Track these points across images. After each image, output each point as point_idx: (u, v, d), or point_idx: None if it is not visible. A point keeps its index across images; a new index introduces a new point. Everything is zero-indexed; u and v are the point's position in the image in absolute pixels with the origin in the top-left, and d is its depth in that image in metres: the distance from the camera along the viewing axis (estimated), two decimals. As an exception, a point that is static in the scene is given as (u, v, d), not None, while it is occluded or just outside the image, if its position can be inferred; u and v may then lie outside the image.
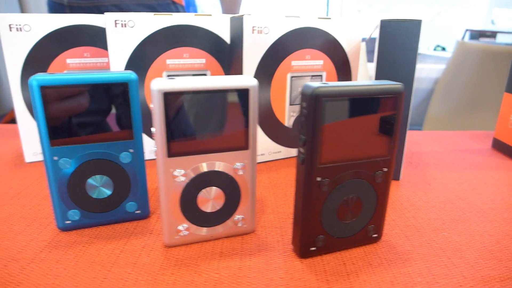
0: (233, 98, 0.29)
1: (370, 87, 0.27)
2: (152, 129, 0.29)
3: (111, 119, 0.32)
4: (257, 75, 0.47)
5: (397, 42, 0.41)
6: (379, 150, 0.30)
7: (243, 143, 0.31)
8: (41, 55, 0.47)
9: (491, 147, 0.61)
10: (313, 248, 0.31)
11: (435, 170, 0.51)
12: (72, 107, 0.31)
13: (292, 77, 0.50)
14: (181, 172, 0.30)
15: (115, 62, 0.46)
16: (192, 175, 0.31)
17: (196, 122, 0.29)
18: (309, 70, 0.50)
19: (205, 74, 0.51)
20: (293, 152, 0.54)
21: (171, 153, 0.29)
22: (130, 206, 0.35)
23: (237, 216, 0.33)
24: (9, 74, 0.46)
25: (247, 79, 0.30)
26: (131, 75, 0.32)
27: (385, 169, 0.31)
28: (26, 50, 0.47)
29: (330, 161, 0.28)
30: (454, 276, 0.30)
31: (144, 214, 0.36)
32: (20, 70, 0.47)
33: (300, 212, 0.30)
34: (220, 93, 0.29)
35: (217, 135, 0.30)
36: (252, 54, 0.46)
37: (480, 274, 0.30)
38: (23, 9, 1.96)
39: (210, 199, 0.32)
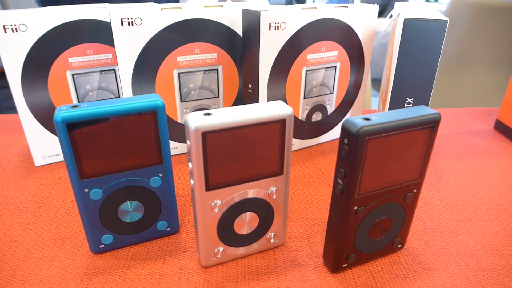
0: (270, 129, 0.29)
1: (410, 120, 0.27)
2: (190, 165, 0.29)
3: (140, 145, 0.32)
4: (273, 71, 0.46)
5: (420, 42, 0.40)
6: (411, 174, 0.31)
7: (278, 169, 0.31)
8: (41, 56, 0.44)
9: (493, 128, 0.63)
10: (344, 265, 0.33)
11: (443, 159, 0.53)
12: (100, 140, 0.30)
13: (307, 70, 0.48)
14: (218, 203, 0.30)
15: (124, 63, 0.44)
16: (229, 204, 0.31)
17: (233, 155, 0.29)
18: (323, 62, 0.49)
19: (216, 70, 0.49)
20: (306, 143, 0.54)
21: (209, 188, 0.29)
22: (161, 225, 0.36)
23: (269, 234, 0.34)
24: (9, 79, 0.43)
25: (282, 108, 0.29)
26: (158, 101, 0.30)
27: (415, 190, 0.32)
28: (25, 51, 0.43)
29: (367, 191, 0.29)
30: (474, 285, 0.32)
31: (174, 230, 0.37)
32: (19, 73, 0.44)
33: (335, 237, 0.31)
34: (257, 126, 0.28)
35: (253, 165, 0.30)
36: (269, 51, 0.44)
37: (496, 283, 0.33)
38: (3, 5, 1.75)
39: (245, 223, 0.32)
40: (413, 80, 0.42)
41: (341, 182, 0.28)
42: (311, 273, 0.33)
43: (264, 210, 0.33)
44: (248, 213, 0.32)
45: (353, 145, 0.26)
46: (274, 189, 0.32)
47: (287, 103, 0.49)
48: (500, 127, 0.61)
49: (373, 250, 0.33)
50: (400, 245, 0.35)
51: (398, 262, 0.34)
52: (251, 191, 0.31)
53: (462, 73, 1.50)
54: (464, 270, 0.34)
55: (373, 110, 0.72)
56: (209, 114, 0.28)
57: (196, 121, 0.27)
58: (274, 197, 0.32)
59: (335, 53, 0.49)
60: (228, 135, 0.28)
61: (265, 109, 0.29)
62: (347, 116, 0.56)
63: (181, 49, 0.46)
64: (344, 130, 0.27)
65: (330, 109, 0.54)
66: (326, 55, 0.49)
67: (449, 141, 0.59)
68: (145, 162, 0.32)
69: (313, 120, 0.53)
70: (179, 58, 0.46)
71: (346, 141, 0.27)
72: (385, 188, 0.30)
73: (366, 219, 0.31)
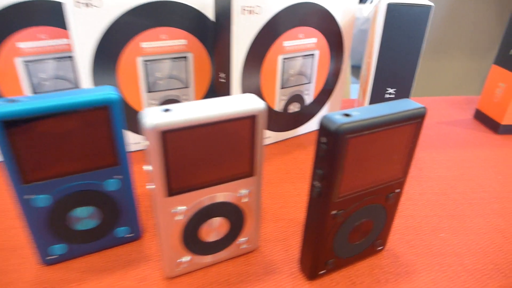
0: (239, 126, 0.26)
1: (394, 115, 0.25)
2: (146, 168, 0.25)
3: (91, 145, 0.28)
4: (247, 59, 0.42)
5: (403, 29, 0.38)
6: (394, 174, 0.28)
7: (248, 170, 0.28)
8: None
9: (473, 118, 0.62)
10: (322, 271, 0.30)
11: (423, 151, 0.51)
12: (44, 140, 0.26)
13: (284, 59, 0.45)
14: (183, 209, 0.27)
15: (81, 50, 0.39)
16: (194, 210, 0.28)
17: (198, 156, 0.25)
18: (301, 49, 0.46)
19: (186, 57, 0.45)
20: (283, 136, 0.51)
21: (171, 193, 0.26)
22: (121, 231, 0.32)
23: (241, 239, 0.31)
24: None
25: (253, 102, 0.26)
26: (112, 95, 0.27)
27: (398, 190, 0.29)
28: (-35, 35, 0.38)
29: (346, 194, 0.26)
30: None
31: (136, 236, 0.34)
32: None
33: (312, 243, 0.28)
34: (225, 123, 0.25)
35: (220, 166, 0.27)
36: (242, 38, 0.40)
37: (481, 284, 0.31)
38: None
39: (214, 229, 0.29)
40: (395, 69, 0.40)
41: (318, 185, 0.26)
42: (286, 280, 0.31)
43: (234, 215, 0.30)
44: (216, 218, 0.29)
45: (332, 144, 0.23)
46: (244, 191, 0.29)
47: (262, 93, 0.46)
48: (480, 116, 0.60)
49: (353, 254, 0.31)
50: (381, 247, 0.33)
51: (379, 265, 0.32)
52: (219, 195, 0.28)
53: (440, 61, 1.50)
54: (447, 272, 0.32)
55: (352, 100, 0.70)
56: (168, 110, 0.24)
57: (153, 118, 0.23)
58: (244, 201, 0.29)
59: (314, 40, 0.46)
60: (191, 134, 0.24)
61: (233, 103, 0.25)
62: (326, 106, 0.53)
63: (146, 35, 0.42)
64: (322, 128, 0.24)
65: (309, 99, 0.51)
66: (304, 42, 0.46)
67: (429, 131, 0.57)
68: (98, 164, 0.28)
69: (290, 111, 0.50)
70: (143, 45, 0.42)
71: (324, 140, 0.24)
72: (366, 190, 0.27)
73: (345, 223, 0.28)
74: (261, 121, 0.26)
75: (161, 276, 0.30)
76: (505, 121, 0.55)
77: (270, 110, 0.48)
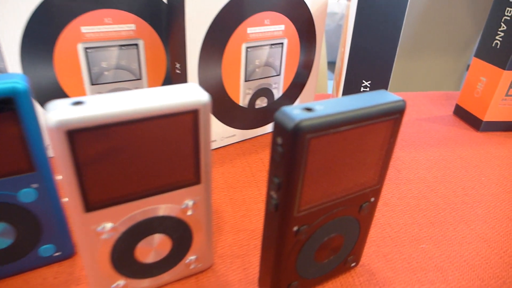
0: (176, 124, 0.21)
1: (368, 110, 0.20)
2: (58, 177, 0.20)
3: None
4: (204, 48, 0.37)
5: (379, 15, 0.33)
6: (368, 180, 0.24)
7: (192, 177, 0.23)
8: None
9: (453, 114, 0.59)
10: (285, 295, 0.25)
11: (402, 150, 0.47)
12: None
13: (247, 47, 0.40)
14: (108, 226, 0.22)
15: (5, 34, 0.33)
16: (125, 227, 0.22)
17: (121, 161, 0.20)
18: (267, 37, 0.41)
19: (136, 44, 0.39)
20: (249, 134, 0.47)
21: (89, 207, 0.21)
22: (46, 250, 0.27)
23: (189, 258, 0.26)
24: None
25: (195, 94, 0.21)
26: (17, 83, 0.21)
27: (373, 199, 0.25)
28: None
29: (310, 206, 0.22)
30: (441, 311, 0.26)
31: (67, 255, 0.28)
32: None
33: (271, 263, 0.24)
34: (156, 120, 0.20)
35: (155, 173, 0.22)
36: (197, 23, 0.35)
37: (466, 305, 0.27)
38: None
39: (152, 248, 0.24)
40: (370, 60, 0.36)
41: (274, 196, 0.21)
42: (243, 306, 0.26)
43: (178, 230, 0.25)
44: (155, 235, 0.24)
45: (289, 146, 0.19)
46: (189, 203, 0.24)
47: (224, 87, 0.41)
48: (460, 112, 0.57)
49: (321, 274, 0.27)
50: (354, 263, 0.28)
51: (353, 285, 0.28)
52: (157, 207, 0.23)
53: (417, 57, 1.48)
54: (428, 290, 0.28)
55: (328, 95, 0.66)
56: (80, 102, 0.19)
57: (58, 113, 0.18)
58: (190, 213, 0.24)
59: (281, 27, 0.41)
60: (110, 134, 0.19)
61: (169, 95, 0.20)
62: (297, 102, 0.49)
63: (86, 17, 0.36)
64: (276, 126, 0.19)
65: (277, 93, 0.46)
66: (271, 29, 0.41)
67: (409, 128, 0.53)
68: (8, 170, 0.23)
69: (257, 106, 0.45)
70: (84, 29, 0.36)
71: (279, 140, 0.19)
72: (334, 200, 0.23)
73: (310, 240, 0.24)
74: (205, 117, 0.21)
75: (89, 306, 0.25)
76: (487, 118, 0.52)
77: (233, 106, 0.43)
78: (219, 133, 0.43)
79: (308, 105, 0.19)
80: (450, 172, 0.43)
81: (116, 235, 0.22)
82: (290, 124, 0.18)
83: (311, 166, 0.20)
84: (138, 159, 0.20)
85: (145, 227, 0.23)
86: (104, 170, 0.20)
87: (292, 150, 0.19)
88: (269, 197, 0.21)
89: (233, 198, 0.36)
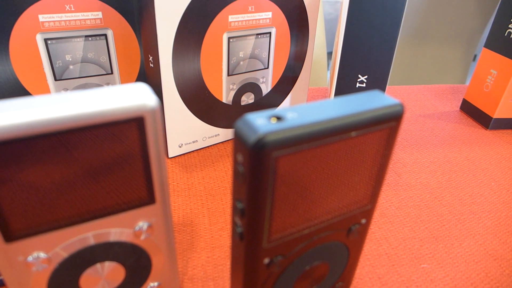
0: (117, 133, 0.17)
1: (353, 118, 0.16)
2: (-35, 201, 0.16)
3: None
4: (179, 38, 0.33)
5: (376, 1, 0.29)
6: (357, 200, 0.20)
7: (145, 196, 0.19)
8: None
9: (460, 110, 0.54)
10: (260, 331, 0.22)
11: (403, 150, 0.43)
12: None
13: (229, 38, 0.36)
14: (40, 257, 0.18)
15: None
16: (64, 255, 0.19)
17: (49, 179, 0.16)
18: (252, 26, 0.37)
19: (104, 35, 0.35)
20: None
21: (11, 236, 0.17)
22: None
23: (150, 285, 0.23)
24: None
25: (140, 97, 0.17)
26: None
27: (364, 221, 0.21)
28: None
29: (283, 234, 0.18)
30: None
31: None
32: None
33: (240, 298, 0.20)
34: (91, 130, 0.16)
35: (96, 193, 0.18)
36: (169, 9, 0.31)
37: None
38: None
39: (101, 278, 0.20)
40: (367, 52, 0.31)
41: (239, 223, 0.17)
42: None
43: (132, 257, 0.21)
44: (104, 263, 0.20)
45: (251, 166, 0.15)
46: (143, 225, 0.20)
47: (204, 82, 0.37)
48: (467, 108, 0.52)
49: (303, 305, 0.23)
50: (343, 289, 0.25)
51: (340, 314, 0.24)
52: (103, 232, 0.19)
53: (421, 45, 1.42)
54: (429, 321, 0.24)
55: (326, 88, 0.61)
56: (-15, 109, 0.15)
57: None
58: (145, 237, 0.20)
59: (268, 14, 0.37)
60: (32, 146, 0.15)
61: (108, 99, 0.16)
62: (289, 97, 0.45)
63: (44, 4, 0.32)
64: (236, 139, 0.15)
65: (266, 88, 0.42)
66: (256, 17, 0.36)
67: (411, 126, 0.49)
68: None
69: (242, 103, 0.41)
70: (42, 18, 0.32)
71: (240, 158, 0.15)
72: (316, 226, 0.19)
73: (286, 271, 0.20)
74: (154, 126, 0.17)
75: None
76: (497, 114, 0.47)
77: (216, 103, 0.39)
78: (201, 133, 0.39)
79: (278, 112, 0.15)
80: (456, 176, 0.39)
81: (53, 265, 0.19)
82: (251, 139, 0.14)
83: (281, 189, 0.16)
84: (71, 176, 0.16)
85: (88, 255, 0.19)
86: (26, 191, 0.16)
87: (254, 171, 0.15)
88: (233, 224, 0.18)
89: (211, 208, 0.33)
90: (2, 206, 0.16)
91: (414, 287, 0.26)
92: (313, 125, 0.15)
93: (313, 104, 0.16)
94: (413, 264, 0.28)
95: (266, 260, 0.18)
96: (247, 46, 0.37)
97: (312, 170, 0.16)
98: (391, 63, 0.32)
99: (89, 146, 0.16)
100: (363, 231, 0.21)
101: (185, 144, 0.39)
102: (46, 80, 0.34)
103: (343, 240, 0.21)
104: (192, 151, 0.40)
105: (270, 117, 0.15)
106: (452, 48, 1.29)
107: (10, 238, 0.17)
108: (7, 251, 0.17)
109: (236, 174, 0.16)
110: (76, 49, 0.34)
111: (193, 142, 0.39)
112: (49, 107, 0.15)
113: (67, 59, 0.34)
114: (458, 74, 1.29)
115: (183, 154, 0.39)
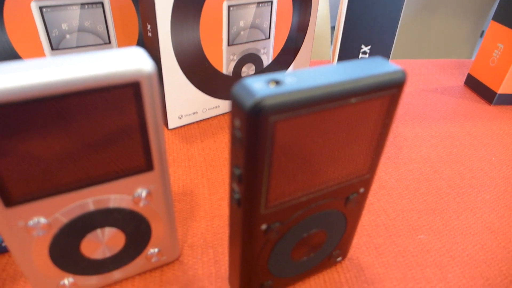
0: (113, 99, 0.16)
1: (353, 84, 0.16)
2: (-37, 165, 0.16)
3: None
4: (177, 6, 0.32)
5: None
6: (356, 169, 0.19)
7: (143, 163, 0.19)
8: None
9: (464, 85, 0.53)
10: (257, 296, 0.22)
11: (405, 124, 0.43)
12: None
13: (229, 6, 0.35)
14: (41, 222, 0.18)
15: None
16: (64, 220, 0.19)
17: (47, 143, 0.16)
18: (254, -5, 0.36)
19: (101, 3, 0.34)
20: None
21: (11, 201, 0.17)
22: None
23: (150, 251, 0.23)
24: None
25: (135, 62, 0.16)
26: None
27: (362, 190, 0.21)
28: None
29: (281, 201, 0.18)
30: (437, 314, 0.23)
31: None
32: None
33: (238, 262, 0.20)
34: (86, 95, 0.16)
35: (94, 158, 0.18)
36: (166, -25, 0.30)
37: (466, 307, 0.24)
38: None
39: (102, 243, 0.21)
40: (371, 21, 0.30)
41: (236, 189, 0.17)
42: (210, 307, 0.23)
43: (132, 223, 0.21)
44: (104, 229, 0.20)
45: (248, 130, 0.14)
46: (142, 192, 0.20)
47: (203, 52, 0.36)
48: (471, 83, 0.52)
49: (300, 272, 0.23)
50: (340, 258, 0.25)
51: (338, 282, 0.25)
52: (102, 198, 0.19)
53: (427, 18, 1.39)
54: (424, 289, 0.24)
55: (329, 62, 0.60)
56: (-21, 71, 0.14)
57: None
58: (144, 204, 0.20)
59: (271, -18, 0.36)
60: (29, 110, 0.15)
61: (103, 62, 0.16)
62: (290, 69, 0.44)
63: (39, -31, 0.31)
64: (234, 103, 0.15)
65: (267, 60, 0.41)
66: (258, -15, 0.35)
67: (413, 100, 0.48)
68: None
69: (243, 74, 0.40)
70: (37, -17, 0.31)
71: (237, 123, 0.15)
72: (313, 193, 0.19)
73: (284, 238, 0.20)
74: (150, 91, 0.17)
75: (34, 305, 0.22)
76: (502, 90, 0.47)
77: (216, 74, 0.38)
78: (201, 104, 0.39)
79: (276, 76, 0.15)
80: (457, 150, 0.39)
81: (53, 231, 0.19)
82: (248, 103, 0.14)
83: (279, 155, 0.16)
84: (68, 141, 0.16)
85: (88, 221, 0.19)
86: (24, 156, 0.16)
87: (252, 136, 0.14)
88: (231, 190, 0.18)
89: (210, 179, 0.33)
90: (1, 171, 0.16)
91: (410, 257, 0.27)
92: (312, 89, 0.15)
93: (313, 69, 0.16)
94: (410, 235, 0.28)
95: (264, 226, 0.18)
96: (248, 15, 0.36)
97: (310, 136, 0.16)
98: (395, 33, 0.31)
99: (86, 112, 0.16)
100: (361, 200, 0.21)
101: (185, 116, 0.38)
102: (43, 50, 0.34)
103: (341, 209, 0.21)
104: (192, 123, 0.40)
105: (268, 81, 0.15)
106: (460, 23, 1.26)
107: (10, 202, 0.17)
108: (7, 215, 0.17)
109: (233, 140, 0.16)
110: (72, 17, 0.34)
111: (193, 113, 0.39)
112: (42, 71, 0.15)
113: (64, 28, 0.34)
114: (464, 50, 1.27)
115: (183, 125, 0.39)
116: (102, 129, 0.17)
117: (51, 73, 0.15)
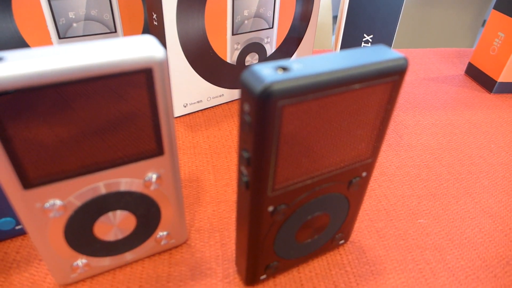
0: (126, 85, 0.17)
1: (358, 70, 0.16)
2: (-16, 149, 0.17)
3: None
4: (182, -5, 0.32)
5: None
6: (359, 153, 0.20)
7: (153, 148, 0.20)
8: None
9: (464, 73, 0.54)
10: (263, 276, 0.23)
11: (406, 112, 0.43)
12: None
13: (234, -4, 0.35)
14: (56, 204, 0.19)
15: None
16: (77, 203, 0.20)
17: (61, 129, 0.17)
18: (257, -16, 0.36)
19: (106, -9, 0.35)
20: (238, 94, 0.43)
21: (29, 183, 0.18)
22: (5, 223, 0.24)
23: (159, 234, 0.24)
24: None
25: (147, 49, 0.17)
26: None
27: (364, 174, 0.22)
28: None
29: (287, 184, 0.19)
30: (435, 293, 0.24)
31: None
32: None
33: (245, 244, 0.21)
34: (100, 81, 0.16)
35: (107, 143, 0.18)
36: (171, -36, 0.30)
37: None
38: None
39: (114, 226, 0.22)
40: (373, 10, 0.31)
41: (245, 172, 0.18)
42: (217, 286, 0.24)
43: (142, 206, 0.22)
44: (116, 212, 0.21)
45: (257, 115, 0.15)
46: (153, 176, 0.21)
47: (208, 41, 0.36)
48: (472, 72, 0.52)
49: (304, 254, 0.24)
50: (342, 241, 0.26)
51: (340, 264, 0.26)
52: (114, 182, 0.20)
53: (429, 7, 1.38)
54: (424, 271, 0.25)
55: (330, 51, 0.61)
56: (1, 59, 0.15)
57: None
58: (154, 188, 0.21)
59: (274, -29, 0.36)
60: (42, 96, 0.16)
61: (115, 49, 0.16)
62: (293, 58, 0.44)
63: (46, -42, 0.31)
64: (243, 89, 0.16)
65: (270, 49, 0.41)
66: (261, -26, 0.36)
67: (414, 89, 0.49)
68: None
69: (247, 63, 0.41)
70: (43, -28, 0.31)
71: (246, 107, 0.16)
72: (318, 176, 0.19)
73: (289, 220, 0.21)
74: (162, 77, 0.18)
75: (55, 283, 0.23)
76: (502, 78, 0.47)
77: (220, 63, 0.39)
78: (205, 93, 0.40)
79: (284, 63, 0.16)
80: (457, 138, 0.39)
81: (68, 213, 0.20)
82: (257, 88, 0.14)
83: (286, 139, 0.16)
84: (82, 126, 0.17)
85: (101, 203, 0.20)
86: (41, 140, 0.17)
87: (260, 120, 0.15)
88: (239, 173, 0.18)
89: (216, 166, 0.33)
90: (20, 155, 0.16)
91: (410, 240, 0.28)
92: (318, 75, 0.15)
93: (319, 56, 0.17)
94: (410, 219, 0.29)
95: (271, 208, 0.19)
96: (252, 4, 0.37)
97: (316, 121, 0.17)
98: (397, 22, 0.32)
99: (100, 98, 0.17)
100: (364, 184, 0.22)
101: (190, 104, 0.39)
102: (50, 38, 0.34)
103: (344, 192, 0.22)
104: (197, 111, 0.41)
105: (276, 68, 0.15)
106: (462, 12, 1.26)
107: (28, 185, 0.18)
108: (25, 197, 0.18)
109: (242, 124, 0.16)
110: (79, 6, 0.34)
111: (198, 102, 0.40)
112: (62, 57, 0.15)
113: (70, 16, 0.34)
114: (466, 40, 1.27)
115: (188, 114, 0.40)
116: (115, 114, 0.18)
117: (71, 59, 0.15)
